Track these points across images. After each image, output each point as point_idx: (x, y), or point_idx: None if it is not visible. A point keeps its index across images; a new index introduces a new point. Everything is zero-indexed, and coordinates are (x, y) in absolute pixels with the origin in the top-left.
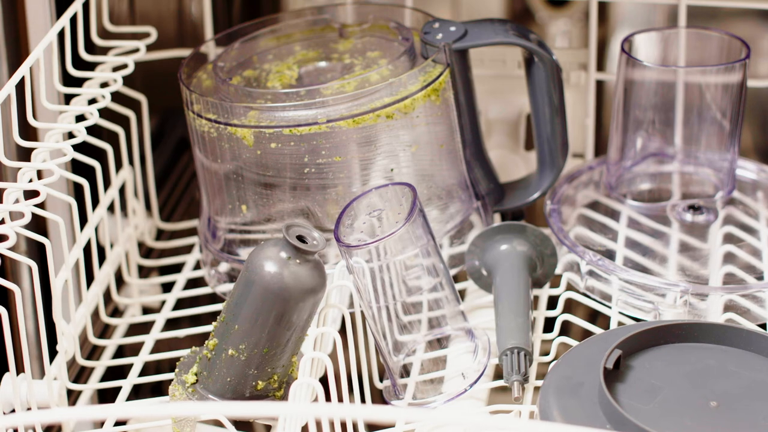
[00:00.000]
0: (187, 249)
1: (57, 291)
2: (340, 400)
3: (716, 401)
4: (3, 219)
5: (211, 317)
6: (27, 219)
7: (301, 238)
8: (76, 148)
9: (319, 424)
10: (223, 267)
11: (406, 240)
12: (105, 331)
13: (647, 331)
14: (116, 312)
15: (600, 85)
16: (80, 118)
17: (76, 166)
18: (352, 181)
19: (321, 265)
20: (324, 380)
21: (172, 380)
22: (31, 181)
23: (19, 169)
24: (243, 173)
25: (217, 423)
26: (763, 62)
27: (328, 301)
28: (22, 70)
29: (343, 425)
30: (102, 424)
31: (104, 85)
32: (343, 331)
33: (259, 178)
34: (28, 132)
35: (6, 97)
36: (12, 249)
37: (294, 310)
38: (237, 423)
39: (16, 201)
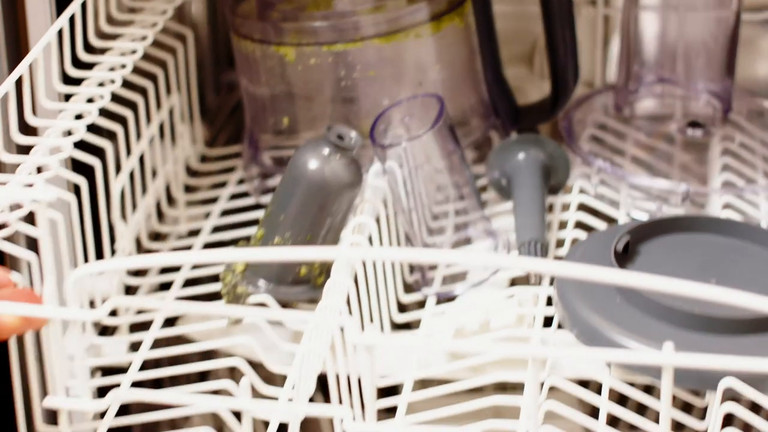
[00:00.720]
0: (231, 170)
1: (116, 194)
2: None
3: (716, 279)
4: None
5: (254, 224)
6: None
7: (340, 138)
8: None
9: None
10: (266, 179)
11: (434, 147)
12: (157, 239)
13: (654, 222)
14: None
15: (608, 20)
16: (99, 85)
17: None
18: (383, 95)
19: (358, 163)
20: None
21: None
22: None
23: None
24: (285, 89)
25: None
26: (763, 62)
27: (364, 197)
28: (48, 36)
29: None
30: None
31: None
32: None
33: (299, 92)
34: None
35: (34, 58)
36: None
37: (334, 201)
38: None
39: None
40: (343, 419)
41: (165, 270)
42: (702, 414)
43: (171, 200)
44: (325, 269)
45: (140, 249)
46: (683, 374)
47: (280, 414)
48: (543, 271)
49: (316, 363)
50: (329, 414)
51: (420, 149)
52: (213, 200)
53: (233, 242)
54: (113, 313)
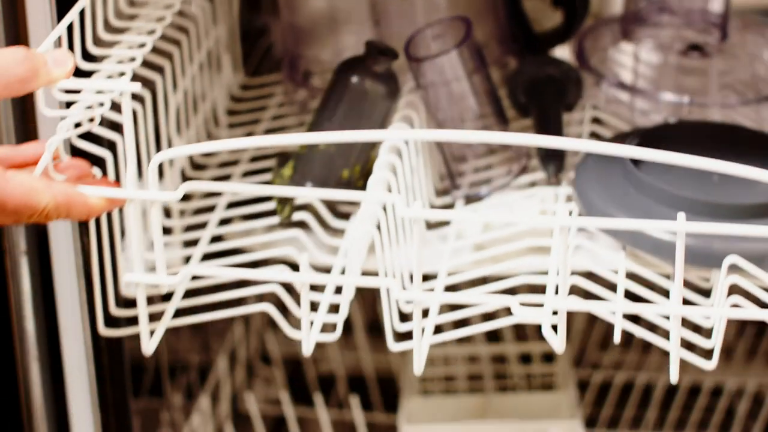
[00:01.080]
0: (270, 96)
1: (172, 110)
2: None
3: (717, 177)
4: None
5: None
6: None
7: (379, 52)
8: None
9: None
10: (307, 101)
11: (461, 65)
12: (207, 156)
13: (662, 126)
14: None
15: None
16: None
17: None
18: (414, 18)
19: (395, 76)
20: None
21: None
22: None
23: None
24: (324, 14)
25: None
26: None
27: (399, 108)
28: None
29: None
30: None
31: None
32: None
33: (338, 16)
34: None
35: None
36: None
37: (374, 109)
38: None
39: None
40: (390, 288)
41: (217, 179)
42: (707, 294)
43: (217, 122)
44: (365, 173)
45: (192, 164)
46: (691, 254)
47: (334, 283)
48: (571, 148)
49: (365, 241)
50: (378, 285)
51: (449, 66)
52: (255, 122)
53: (277, 155)
54: (167, 214)
